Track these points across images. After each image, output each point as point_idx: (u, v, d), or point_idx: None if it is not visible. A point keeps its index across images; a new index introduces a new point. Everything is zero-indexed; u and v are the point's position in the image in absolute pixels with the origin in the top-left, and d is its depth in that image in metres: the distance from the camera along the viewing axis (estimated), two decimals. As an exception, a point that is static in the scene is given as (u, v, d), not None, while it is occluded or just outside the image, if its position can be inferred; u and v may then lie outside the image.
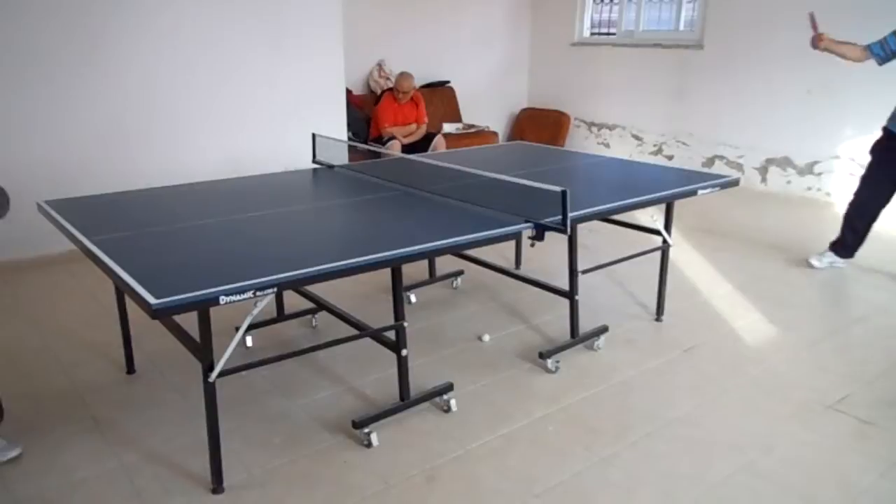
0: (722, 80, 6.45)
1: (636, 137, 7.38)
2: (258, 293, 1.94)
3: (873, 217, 4.15)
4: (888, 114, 4.00)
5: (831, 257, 4.33)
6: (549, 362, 3.05)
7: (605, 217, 3.02)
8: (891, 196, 4.03)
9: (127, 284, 1.94)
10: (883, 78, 4.41)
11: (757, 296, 3.92)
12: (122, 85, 4.60)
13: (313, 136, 3.80)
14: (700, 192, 3.19)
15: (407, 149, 5.91)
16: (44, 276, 4.19)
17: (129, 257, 2.16)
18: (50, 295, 3.95)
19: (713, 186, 3.26)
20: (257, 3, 5.02)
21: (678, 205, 3.35)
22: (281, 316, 3.43)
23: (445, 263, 4.07)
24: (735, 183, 3.40)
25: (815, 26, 4.01)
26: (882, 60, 3.92)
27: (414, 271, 3.99)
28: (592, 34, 7.73)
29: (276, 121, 5.30)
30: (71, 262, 4.17)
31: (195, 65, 4.87)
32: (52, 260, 4.32)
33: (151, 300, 1.81)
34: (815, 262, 4.35)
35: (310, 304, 3.25)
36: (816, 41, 4.01)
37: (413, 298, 3.83)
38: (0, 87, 4.19)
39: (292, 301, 3.37)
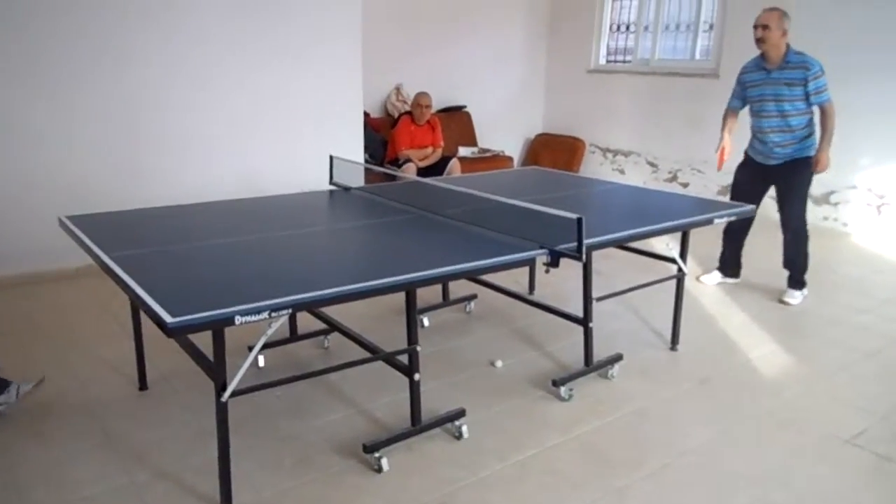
0: (738, 109, 6.43)
1: (651, 164, 7.38)
2: (273, 314, 1.95)
3: (744, 231, 4.39)
4: None
5: (719, 277, 4.57)
6: (563, 390, 3.02)
7: (620, 244, 3.01)
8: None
9: (143, 301, 1.96)
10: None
11: (773, 326, 3.88)
12: (135, 103, 4.63)
13: (331, 158, 3.83)
14: (716, 220, 3.18)
15: (422, 172, 5.94)
16: (59, 290, 4.23)
17: (147, 275, 2.18)
18: (65, 309, 3.97)
19: (729, 215, 3.25)
20: (274, 21, 5.08)
21: (693, 233, 3.33)
22: (294, 336, 3.43)
23: (459, 287, 4.06)
24: (751, 212, 3.39)
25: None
26: (740, 107, 4.33)
27: (427, 294, 3.98)
28: (608, 61, 7.77)
29: (292, 141, 5.34)
30: (86, 276, 4.21)
31: (211, 83, 4.91)
32: (68, 274, 4.35)
33: (168, 318, 1.82)
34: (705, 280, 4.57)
35: (322, 325, 3.26)
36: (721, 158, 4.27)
37: (426, 322, 3.82)
38: (11, 102, 4.23)
39: (305, 321, 3.37)
